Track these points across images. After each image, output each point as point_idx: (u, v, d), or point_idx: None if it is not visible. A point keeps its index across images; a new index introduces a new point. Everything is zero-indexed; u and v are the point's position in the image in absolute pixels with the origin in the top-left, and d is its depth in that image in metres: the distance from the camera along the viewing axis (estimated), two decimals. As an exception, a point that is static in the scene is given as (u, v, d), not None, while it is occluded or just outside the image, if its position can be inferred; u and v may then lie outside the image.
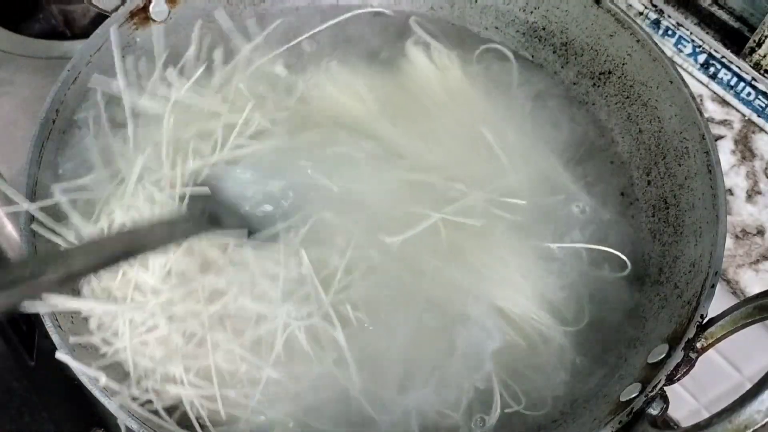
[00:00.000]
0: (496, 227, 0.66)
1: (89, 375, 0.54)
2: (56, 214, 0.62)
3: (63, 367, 0.53)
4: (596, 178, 0.72)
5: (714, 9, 0.75)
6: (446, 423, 0.60)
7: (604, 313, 0.65)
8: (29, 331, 0.80)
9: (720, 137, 0.76)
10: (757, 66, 0.71)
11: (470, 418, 0.60)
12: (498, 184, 0.68)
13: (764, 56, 0.70)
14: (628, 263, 0.67)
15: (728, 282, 0.79)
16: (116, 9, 0.69)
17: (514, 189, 0.68)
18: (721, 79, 0.74)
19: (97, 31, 0.68)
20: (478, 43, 0.80)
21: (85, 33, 0.98)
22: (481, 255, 0.64)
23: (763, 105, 0.72)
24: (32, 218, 0.59)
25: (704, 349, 0.52)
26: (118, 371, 0.59)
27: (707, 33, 0.74)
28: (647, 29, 0.72)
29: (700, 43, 0.74)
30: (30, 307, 0.52)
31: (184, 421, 0.58)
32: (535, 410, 0.61)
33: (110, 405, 0.52)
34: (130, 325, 0.59)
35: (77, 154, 0.66)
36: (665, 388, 0.51)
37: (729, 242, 0.77)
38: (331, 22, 0.77)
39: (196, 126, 0.66)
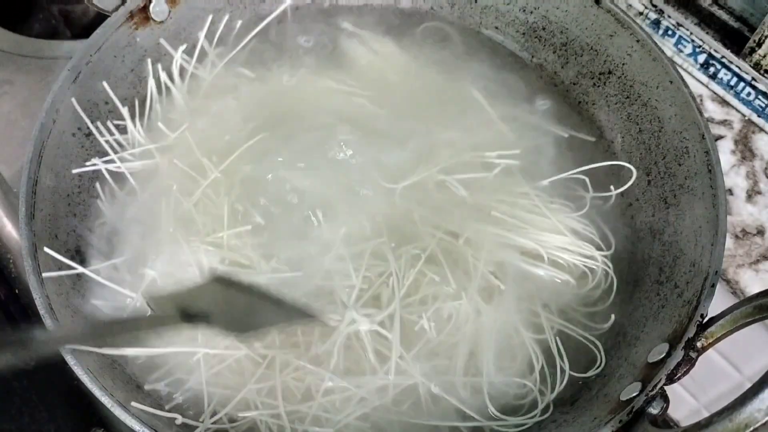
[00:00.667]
0: (502, 176, 0.69)
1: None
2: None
3: (63, 367, 0.53)
4: (561, 116, 0.76)
5: (714, 9, 0.75)
6: (517, 391, 0.61)
7: (626, 232, 0.69)
8: (29, 331, 0.80)
9: (720, 137, 0.76)
10: (757, 66, 0.71)
11: (538, 382, 0.62)
12: (483, 136, 0.71)
13: (764, 56, 0.70)
14: (633, 169, 0.69)
15: (728, 282, 0.79)
16: (116, 9, 0.69)
17: (500, 139, 0.72)
18: (721, 79, 0.74)
19: (97, 31, 0.68)
20: (407, 22, 0.82)
21: (85, 33, 0.98)
22: (502, 206, 0.67)
23: (763, 105, 0.72)
24: (32, 216, 0.59)
25: (704, 349, 0.52)
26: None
27: (707, 33, 0.74)
28: (647, 29, 0.72)
29: (700, 43, 0.74)
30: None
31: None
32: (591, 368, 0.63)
33: (114, 407, 0.52)
34: (203, 361, 0.60)
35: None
36: (665, 387, 0.51)
37: (729, 242, 0.77)
38: (270, 17, 0.79)
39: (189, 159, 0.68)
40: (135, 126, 0.70)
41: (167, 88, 0.74)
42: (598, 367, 0.62)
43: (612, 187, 0.70)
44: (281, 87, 0.75)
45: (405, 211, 0.66)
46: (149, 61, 0.73)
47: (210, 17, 0.76)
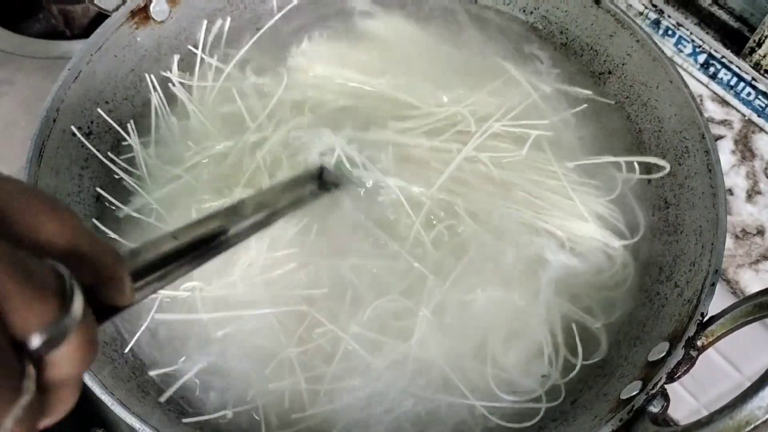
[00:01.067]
0: (532, 151, 0.69)
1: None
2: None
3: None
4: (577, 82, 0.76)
5: (714, 9, 0.75)
6: (526, 377, 0.61)
7: (653, 220, 0.68)
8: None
9: (720, 137, 0.76)
10: (757, 66, 0.71)
11: (549, 368, 0.61)
12: (511, 98, 0.71)
13: (764, 56, 0.70)
14: (667, 165, 0.68)
15: (728, 282, 0.79)
16: (117, 9, 0.69)
17: (528, 101, 0.71)
18: (721, 79, 0.74)
19: (97, 31, 0.68)
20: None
21: (85, 33, 0.98)
22: (529, 186, 0.67)
23: (763, 105, 0.72)
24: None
25: (704, 347, 0.52)
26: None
27: (707, 33, 0.74)
28: (647, 29, 0.72)
29: (700, 43, 0.74)
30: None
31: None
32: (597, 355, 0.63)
33: (114, 406, 0.52)
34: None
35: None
36: (666, 386, 0.51)
37: (729, 242, 0.77)
38: (274, 19, 0.78)
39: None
40: (141, 150, 0.70)
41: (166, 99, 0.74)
42: (599, 355, 0.62)
43: (636, 165, 0.69)
44: (300, 81, 0.75)
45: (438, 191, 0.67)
46: (147, 77, 0.73)
47: (205, 22, 0.76)
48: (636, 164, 0.69)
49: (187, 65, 0.76)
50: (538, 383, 0.60)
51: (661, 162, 0.68)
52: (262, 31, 0.76)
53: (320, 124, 0.70)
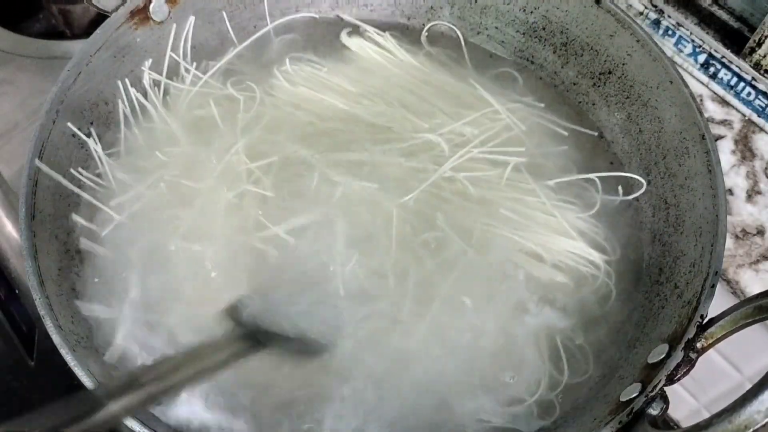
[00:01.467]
0: (510, 172, 0.69)
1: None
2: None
3: (63, 368, 0.53)
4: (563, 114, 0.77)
5: (714, 9, 0.75)
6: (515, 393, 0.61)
7: (630, 238, 0.69)
8: (29, 331, 0.80)
9: (720, 137, 0.76)
10: (757, 66, 0.71)
11: (536, 387, 0.62)
12: (490, 129, 0.71)
13: (764, 56, 0.70)
14: (644, 181, 0.69)
15: (728, 282, 0.79)
16: (116, 9, 0.69)
17: (507, 132, 0.72)
18: (721, 79, 0.74)
19: (98, 31, 0.68)
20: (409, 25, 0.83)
21: (85, 33, 0.98)
22: (509, 204, 0.67)
23: (763, 105, 0.72)
24: (33, 216, 0.59)
25: (704, 349, 0.52)
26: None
27: (707, 33, 0.74)
28: (647, 29, 0.72)
29: (700, 43, 0.74)
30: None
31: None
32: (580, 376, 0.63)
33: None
34: None
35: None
36: (665, 388, 0.51)
37: (729, 242, 0.77)
38: (259, 33, 0.78)
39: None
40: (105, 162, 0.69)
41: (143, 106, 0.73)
42: (585, 373, 0.62)
43: (620, 189, 0.69)
44: (281, 100, 0.74)
45: (416, 205, 0.67)
46: (119, 83, 0.72)
47: (190, 26, 0.75)
48: (620, 189, 0.70)
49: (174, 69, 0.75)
50: (527, 399, 0.61)
51: (638, 177, 0.69)
52: (244, 44, 0.77)
53: (295, 142, 0.70)
